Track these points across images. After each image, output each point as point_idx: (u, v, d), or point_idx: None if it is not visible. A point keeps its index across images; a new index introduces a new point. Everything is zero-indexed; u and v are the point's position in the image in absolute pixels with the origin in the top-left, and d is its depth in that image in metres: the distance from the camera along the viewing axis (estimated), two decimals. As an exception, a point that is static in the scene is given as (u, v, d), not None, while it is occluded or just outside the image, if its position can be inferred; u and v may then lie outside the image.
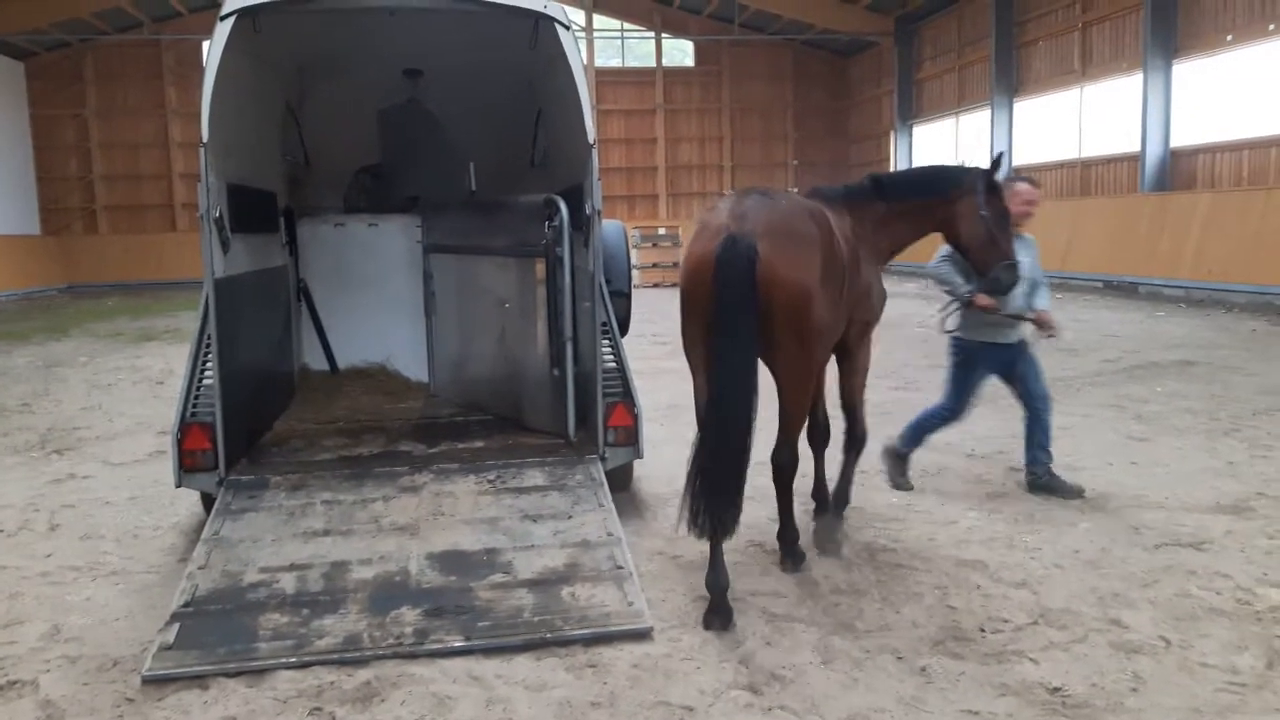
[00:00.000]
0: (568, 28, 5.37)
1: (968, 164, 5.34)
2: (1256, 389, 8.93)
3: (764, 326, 4.10)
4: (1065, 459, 6.62)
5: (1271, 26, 17.26)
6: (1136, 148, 20.22)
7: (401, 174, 7.33)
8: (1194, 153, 19.29)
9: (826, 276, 4.29)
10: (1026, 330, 5.80)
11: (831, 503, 5.20)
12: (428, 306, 6.84)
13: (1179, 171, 19.61)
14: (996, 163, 5.20)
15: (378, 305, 7.24)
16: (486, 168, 7.07)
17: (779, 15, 30.82)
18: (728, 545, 4.91)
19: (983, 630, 3.93)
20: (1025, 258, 5.45)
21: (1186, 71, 19.38)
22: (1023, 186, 5.75)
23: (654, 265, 25.40)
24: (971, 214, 5.11)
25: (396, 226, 7.31)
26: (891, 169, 31.67)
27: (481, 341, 6.28)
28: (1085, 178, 22.55)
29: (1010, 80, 24.97)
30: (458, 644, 3.76)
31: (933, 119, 29.59)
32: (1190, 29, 19.18)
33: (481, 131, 7.25)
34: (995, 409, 8.40)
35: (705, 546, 4.74)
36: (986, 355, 5.80)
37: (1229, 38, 18.27)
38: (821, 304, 4.26)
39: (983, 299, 5.55)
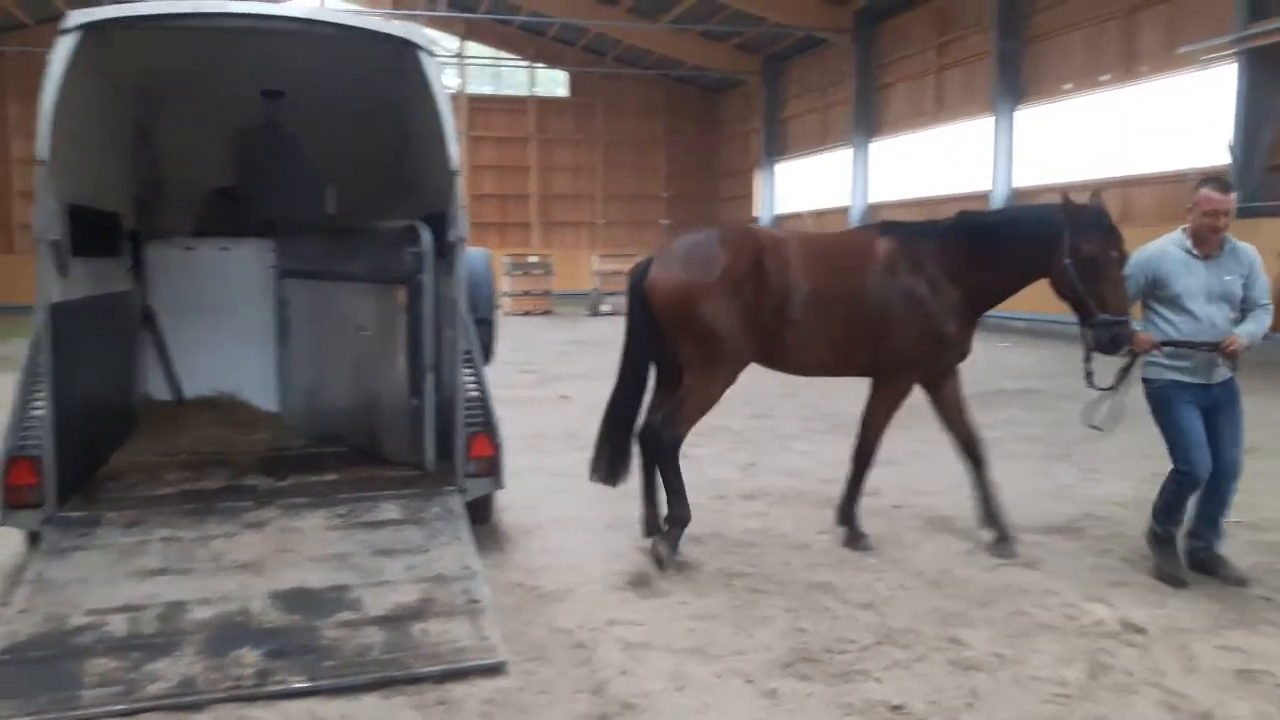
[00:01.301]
0: (432, 54, 5.34)
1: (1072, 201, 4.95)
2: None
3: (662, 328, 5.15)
4: (914, 484, 6.90)
5: (1105, 77, 18.59)
6: (985, 187, 21.38)
7: (257, 196, 7.10)
8: (1035, 193, 20.50)
9: (728, 290, 4.99)
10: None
11: (837, 515, 5.60)
12: (281, 334, 6.62)
13: (1023, 211, 20.81)
14: (1069, 203, 4.88)
15: (228, 332, 6.96)
16: (348, 192, 6.92)
17: (650, 51, 31.41)
18: (593, 573, 4.96)
19: (830, 651, 4.03)
20: (1229, 276, 4.71)
21: (1030, 116, 20.66)
22: (1204, 193, 4.71)
23: (525, 293, 25.29)
24: (1058, 263, 4.87)
25: (250, 251, 7.06)
26: (755, 205, 32.62)
27: (338, 370, 6.12)
28: (936, 214, 23.52)
29: (869, 121, 26.08)
30: (301, 685, 3.62)
31: (797, 156, 30.59)
32: (1033, 76, 20.48)
33: (343, 155, 7.10)
34: (847, 435, 8.67)
35: (563, 580, 4.85)
36: (1180, 393, 4.79)
37: (1068, 86, 19.59)
38: (712, 310, 4.98)
39: (1143, 338, 4.77)
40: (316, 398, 6.37)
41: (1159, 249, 4.83)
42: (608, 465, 5.36)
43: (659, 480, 5.25)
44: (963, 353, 5.44)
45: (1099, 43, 18.83)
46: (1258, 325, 4.69)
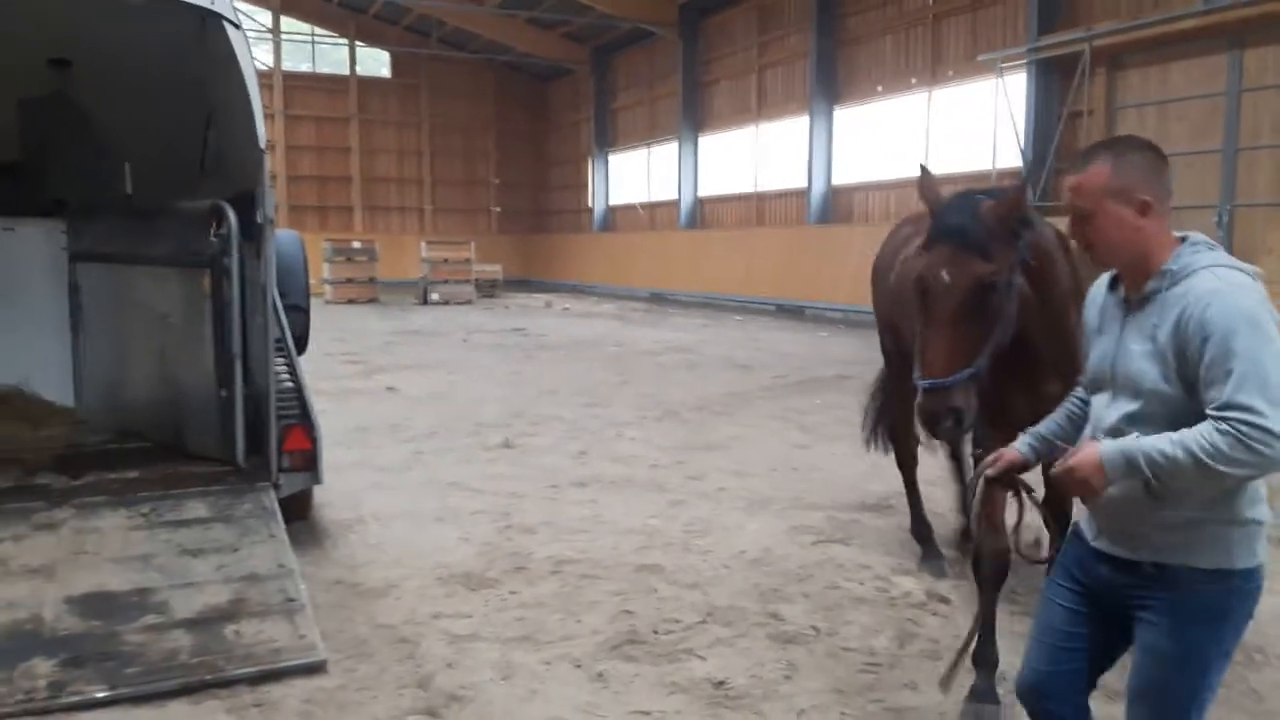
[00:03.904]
0: (237, 26, 5.06)
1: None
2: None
3: None
4: (735, 466, 7.11)
5: (913, 80, 19.65)
6: (804, 184, 22.23)
7: (44, 173, 6.54)
8: (851, 190, 21.52)
9: (878, 279, 5.16)
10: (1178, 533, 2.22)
11: None
12: (75, 321, 6.14)
13: (839, 206, 21.79)
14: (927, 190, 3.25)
15: (13, 320, 6.37)
16: (149, 170, 6.46)
17: (478, 34, 30.93)
18: (419, 567, 4.86)
19: (656, 632, 4.10)
20: (1137, 344, 2.24)
21: (846, 116, 21.60)
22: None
23: (348, 281, 24.41)
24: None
25: (37, 231, 6.49)
26: (588, 195, 32.69)
27: (139, 360, 5.73)
28: (760, 210, 24.45)
29: (695, 115, 26.61)
30: (101, 694, 3.38)
31: (627, 148, 30.87)
32: (849, 78, 21.41)
33: (142, 131, 6.62)
34: (680, 421, 8.85)
35: (387, 574, 4.73)
36: (1069, 548, 2.51)
37: (879, 88, 20.59)
38: (875, 299, 5.27)
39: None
40: (116, 390, 5.95)
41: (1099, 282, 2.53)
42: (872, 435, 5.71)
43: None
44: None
45: (908, 47, 19.88)
46: (1175, 444, 2.06)
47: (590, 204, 32.51)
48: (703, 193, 26.75)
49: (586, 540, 5.39)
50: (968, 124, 18.30)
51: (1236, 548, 2.19)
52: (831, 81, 21.61)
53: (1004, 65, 16.62)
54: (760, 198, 24.52)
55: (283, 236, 5.50)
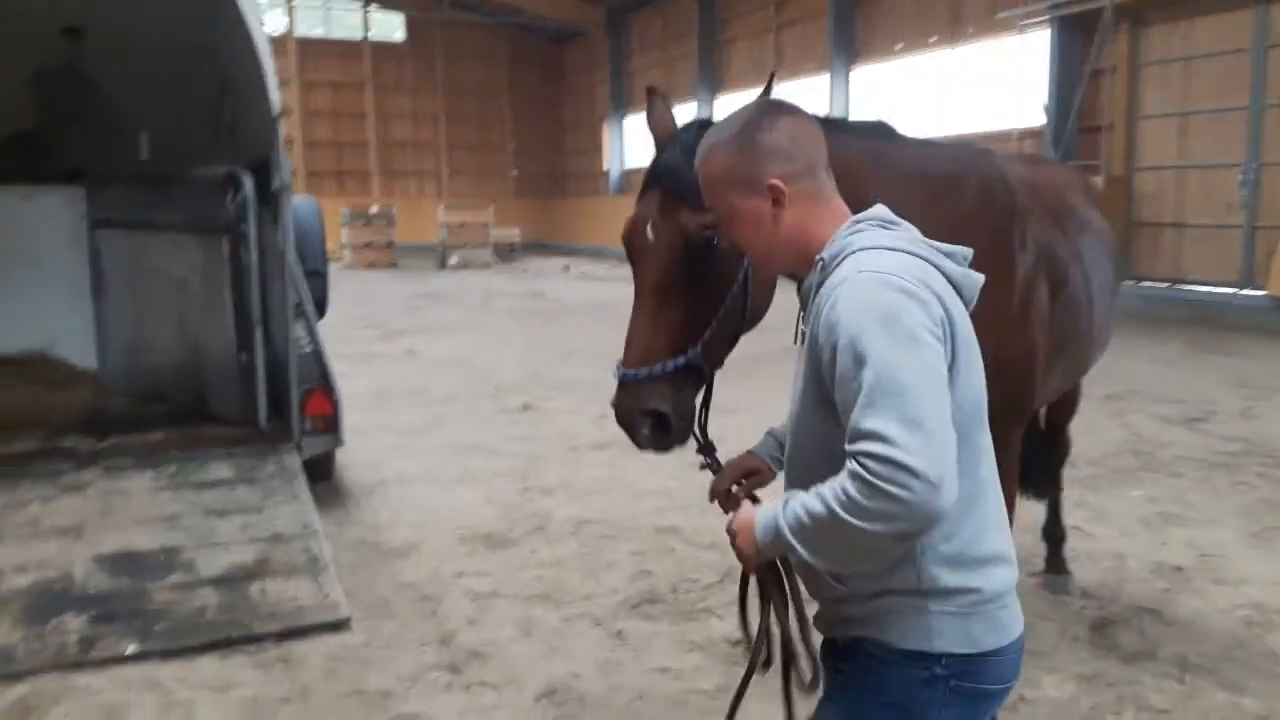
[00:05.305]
0: None
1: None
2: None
3: None
4: (753, 426, 7.11)
5: (933, 39, 19.37)
6: (822, 143, 22.00)
7: (59, 142, 6.58)
8: (870, 150, 21.29)
9: None
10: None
11: None
12: (97, 287, 6.21)
13: (858, 166, 21.54)
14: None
15: (35, 286, 6.45)
16: (165, 138, 6.49)
17: (491, -2, 30.68)
18: (441, 528, 4.92)
19: (675, 591, 4.15)
20: (803, 363, 1.70)
21: (865, 75, 21.34)
22: None
23: (366, 245, 24.44)
24: None
25: (57, 199, 6.55)
26: (604, 159, 32.44)
27: (160, 325, 5.79)
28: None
29: (713, 76, 26.34)
30: (131, 650, 3.47)
31: (643, 110, 30.53)
32: (868, 36, 21.13)
33: (157, 98, 6.63)
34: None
35: (409, 535, 4.81)
36: None
37: (898, 46, 20.31)
38: None
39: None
40: (138, 354, 6.02)
41: None
42: None
43: None
44: None
45: (928, 4, 19.56)
46: (816, 498, 1.50)
47: (606, 167, 32.33)
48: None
49: (605, 501, 5.44)
50: (989, 82, 18.06)
51: (943, 625, 1.60)
52: (850, 40, 21.33)
53: (1025, 23, 16.35)
54: (778, 159, 24.30)
55: (299, 202, 5.53)
